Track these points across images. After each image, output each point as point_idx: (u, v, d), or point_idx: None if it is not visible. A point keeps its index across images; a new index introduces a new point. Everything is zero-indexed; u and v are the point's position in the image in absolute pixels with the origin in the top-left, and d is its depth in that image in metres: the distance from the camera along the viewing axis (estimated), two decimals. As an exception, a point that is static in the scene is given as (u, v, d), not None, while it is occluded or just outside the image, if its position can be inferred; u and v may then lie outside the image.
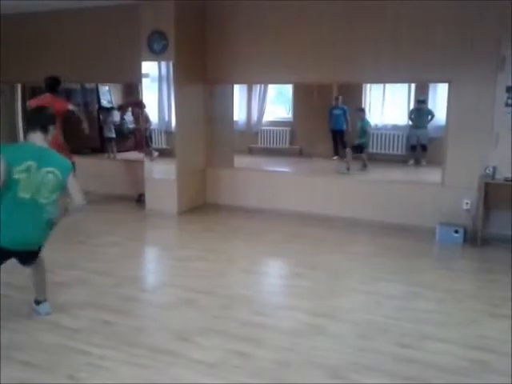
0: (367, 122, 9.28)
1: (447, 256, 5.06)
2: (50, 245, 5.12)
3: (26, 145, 3.24)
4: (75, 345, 3.07)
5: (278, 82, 8.08)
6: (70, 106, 6.26)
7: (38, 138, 3.15)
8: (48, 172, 3.09)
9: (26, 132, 3.35)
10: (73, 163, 6.45)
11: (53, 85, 6.44)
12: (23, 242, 3.14)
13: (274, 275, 4.74)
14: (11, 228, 3.01)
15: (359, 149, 8.85)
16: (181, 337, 3.19)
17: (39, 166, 3.05)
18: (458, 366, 2.89)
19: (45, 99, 6.38)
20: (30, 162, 3.03)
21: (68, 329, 3.28)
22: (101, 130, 10.28)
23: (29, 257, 3.34)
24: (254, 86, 11.40)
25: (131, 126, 10.45)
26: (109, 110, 10.44)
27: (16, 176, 2.98)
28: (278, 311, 3.65)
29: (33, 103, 6.34)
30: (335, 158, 10.69)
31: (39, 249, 3.40)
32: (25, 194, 3.02)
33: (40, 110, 3.54)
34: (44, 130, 3.18)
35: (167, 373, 2.79)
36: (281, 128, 11.68)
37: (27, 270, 3.49)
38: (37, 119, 3.24)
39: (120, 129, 10.23)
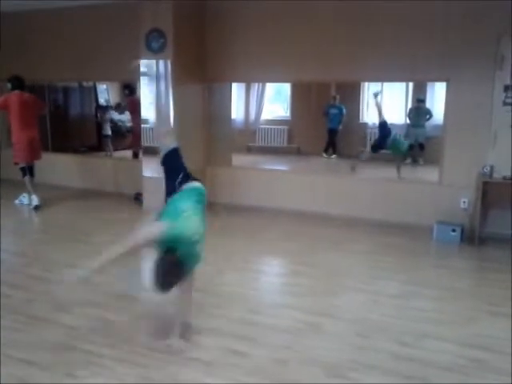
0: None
1: (444, 255, 5.08)
2: (49, 244, 5.17)
3: None
4: (75, 343, 3.07)
5: (276, 80, 8.09)
6: None
7: None
8: None
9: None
10: (31, 166, 6.60)
11: (22, 83, 6.57)
12: None
13: (272, 273, 4.75)
14: None
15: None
16: (178, 335, 3.20)
17: None
18: (456, 364, 2.90)
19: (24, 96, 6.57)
20: None
21: (68, 327, 3.29)
22: (98, 128, 10.29)
23: None
24: (252, 85, 11.41)
25: (128, 124, 10.45)
26: (106, 108, 10.45)
27: None
28: (275, 309, 3.66)
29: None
30: (325, 155, 10.73)
31: None
32: None
33: None
34: None
35: (165, 371, 2.79)
36: (279, 126, 11.69)
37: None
38: None
39: (117, 127, 10.24)
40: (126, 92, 8.19)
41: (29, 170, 6.62)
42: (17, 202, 6.83)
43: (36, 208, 6.54)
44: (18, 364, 2.84)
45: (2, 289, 3.89)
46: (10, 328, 3.26)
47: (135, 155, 8.15)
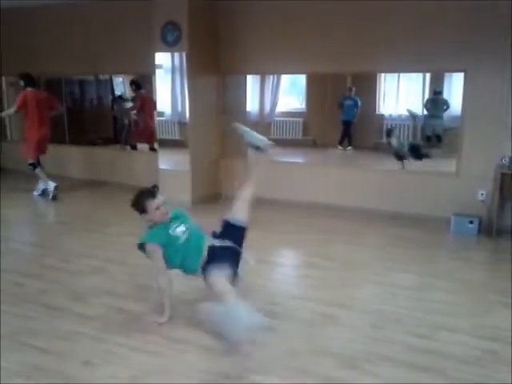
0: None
1: (461, 247, 5.02)
2: (65, 234, 5.23)
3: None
4: (90, 332, 3.11)
5: (292, 72, 8.04)
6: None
7: None
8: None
9: None
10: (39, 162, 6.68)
11: (33, 80, 6.75)
12: None
13: (287, 265, 4.74)
14: None
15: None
16: (193, 325, 3.21)
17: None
18: (470, 355, 2.87)
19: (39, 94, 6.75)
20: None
21: (83, 316, 3.33)
22: (114, 120, 10.34)
23: None
24: (267, 77, 11.35)
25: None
26: (122, 101, 10.49)
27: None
28: (290, 301, 3.65)
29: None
30: (340, 148, 10.64)
31: None
32: None
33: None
34: None
35: (179, 359, 2.81)
36: (294, 119, 11.62)
37: None
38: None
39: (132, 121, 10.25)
40: (133, 87, 8.25)
41: (33, 165, 6.82)
42: (35, 193, 6.92)
43: (55, 190, 6.66)
44: (34, 352, 2.88)
45: (17, 278, 3.96)
46: (26, 317, 3.31)
47: (133, 147, 8.34)
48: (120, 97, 10.11)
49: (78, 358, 2.81)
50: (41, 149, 6.79)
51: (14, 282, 3.88)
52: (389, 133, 8.51)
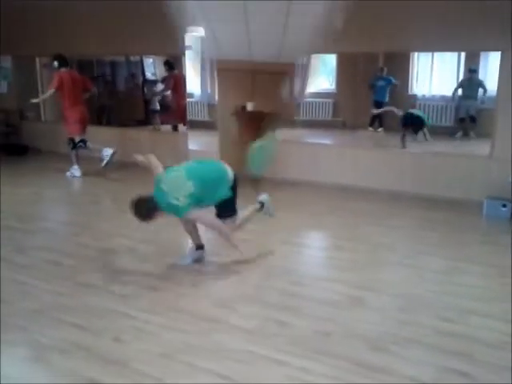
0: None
1: (494, 230, 4.92)
2: (99, 214, 5.34)
3: None
4: (122, 309, 3.18)
5: (322, 51, 7.92)
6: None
7: None
8: None
9: None
10: (84, 140, 6.77)
11: (66, 61, 6.87)
12: None
13: (315, 247, 4.75)
14: None
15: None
16: (221, 304, 3.26)
17: None
18: (500, 341, 2.83)
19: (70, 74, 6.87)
20: None
21: (115, 294, 3.41)
22: (146, 102, 10.41)
23: None
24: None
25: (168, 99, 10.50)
26: (153, 82, 10.54)
27: None
28: (317, 282, 3.66)
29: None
30: (370, 129, 10.47)
31: None
32: None
33: None
34: None
35: (208, 337, 2.86)
36: (323, 99, 11.49)
37: None
38: None
39: (164, 101, 10.32)
40: (166, 67, 8.31)
41: (83, 142, 6.91)
42: (68, 174, 7.07)
43: (112, 156, 6.87)
44: (68, 327, 2.97)
45: (53, 256, 4.07)
46: (60, 293, 3.41)
47: (175, 128, 8.41)
48: (146, 80, 10.17)
49: (109, 334, 2.89)
50: (82, 125, 6.92)
51: (50, 260, 4.00)
52: None
